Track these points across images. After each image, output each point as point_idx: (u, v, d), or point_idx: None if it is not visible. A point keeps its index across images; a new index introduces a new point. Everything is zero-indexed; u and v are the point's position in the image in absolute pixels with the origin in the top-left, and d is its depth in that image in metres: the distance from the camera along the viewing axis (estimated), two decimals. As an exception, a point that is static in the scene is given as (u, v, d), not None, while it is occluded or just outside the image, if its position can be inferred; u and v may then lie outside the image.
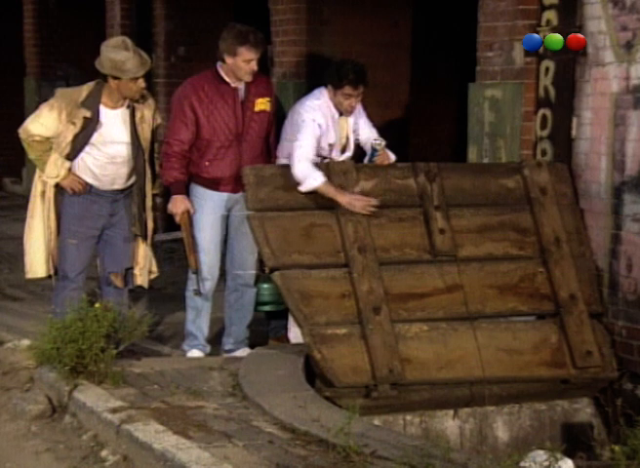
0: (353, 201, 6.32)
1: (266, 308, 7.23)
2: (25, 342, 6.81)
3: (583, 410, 6.50)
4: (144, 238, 7.06)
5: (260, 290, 7.10)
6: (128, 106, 6.87)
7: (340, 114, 6.89)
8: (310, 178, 6.37)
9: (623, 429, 4.83)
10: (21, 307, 8.46)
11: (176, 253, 9.79)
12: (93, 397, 5.78)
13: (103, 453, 5.40)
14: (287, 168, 6.53)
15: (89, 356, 5.94)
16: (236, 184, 6.84)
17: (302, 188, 6.38)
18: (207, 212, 6.94)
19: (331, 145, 6.87)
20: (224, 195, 6.95)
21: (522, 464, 4.61)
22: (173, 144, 6.87)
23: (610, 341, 6.43)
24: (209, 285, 7.00)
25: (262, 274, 6.89)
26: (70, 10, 13.82)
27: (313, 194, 6.38)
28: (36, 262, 6.97)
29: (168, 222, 10.67)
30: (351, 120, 6.96)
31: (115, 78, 6.72)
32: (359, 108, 7.00)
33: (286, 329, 7.13)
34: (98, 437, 5.56)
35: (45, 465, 5.44)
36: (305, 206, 6.38)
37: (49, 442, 5.67)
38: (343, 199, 6.33)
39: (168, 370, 6.37)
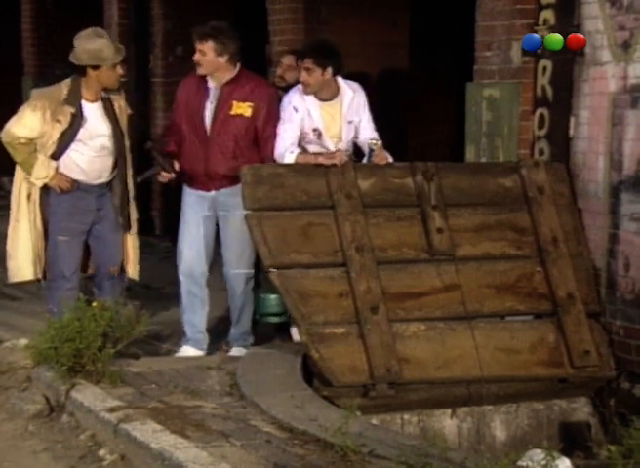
0: (324, 158, 6.54)
1: (275, 319, 7.10)
2: (23, 342, 6.80)
3: (581, 410, 6.50)
4: (128, 228, 7.14)
5: (267, 301, 7.00)
6: (103, 98, 6.95)
7: (324, 100, 6.88)
8: (286, 154, 6.63)
9: (619, 429, 4.83)
10: (19, 306, 8.45)
11: (173, 253, 9.78)
12: (90, 396, 5.78)
13: (101, 453, 5.40)
14: (284, 167, 6.55)
15: (86, 355, 5.94)
16: (208, 184, 6.99)
17: None
18: (188, 209, 7.10)
19: (316, 130, 6.85)
20: (199, 193, 7.07)
21: (519, 463, 4.61)
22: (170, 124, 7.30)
23: (607, 341, 6.43)
24: (189, 281, 7.06)
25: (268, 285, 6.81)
26: (68, 9, 13.80)
27: (311, 194, 6.39)
28: (24, 265, 6.99)
29: (168, 222, 10.71)
30: (345, 109, 6.91)
31: (94, 68, 6.81)
32: (363, 106, 6.96)
33: (288, 328, 7.09)
34: (95, 436, 5.56)
35: (43, 464, 5.43)
36: (303, 205, 6.38)
37: (46, 441, 5.67)
38: (318, 160, 6.54)
39: (165, 369, 6.37)
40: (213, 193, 7.00)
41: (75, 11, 13.55)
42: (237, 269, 7.06)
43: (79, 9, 13.43)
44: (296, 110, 6.78)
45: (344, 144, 6.92)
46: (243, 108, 6.93)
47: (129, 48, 9.69)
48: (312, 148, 6.85)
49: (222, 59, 6.87)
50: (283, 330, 7.14)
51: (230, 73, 6.94)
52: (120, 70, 6.92)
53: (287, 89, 7.20)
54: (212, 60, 6.87)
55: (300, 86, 6.85)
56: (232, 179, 6.82)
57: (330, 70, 6.77)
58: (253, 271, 7.10)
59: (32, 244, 6.96)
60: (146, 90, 11.63)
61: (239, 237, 6.92)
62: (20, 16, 14.44)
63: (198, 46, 6.89)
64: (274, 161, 6.80)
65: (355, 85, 6.97)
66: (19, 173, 7.01)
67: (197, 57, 6.90)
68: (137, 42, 11.56)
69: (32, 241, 6.96)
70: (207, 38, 6.86)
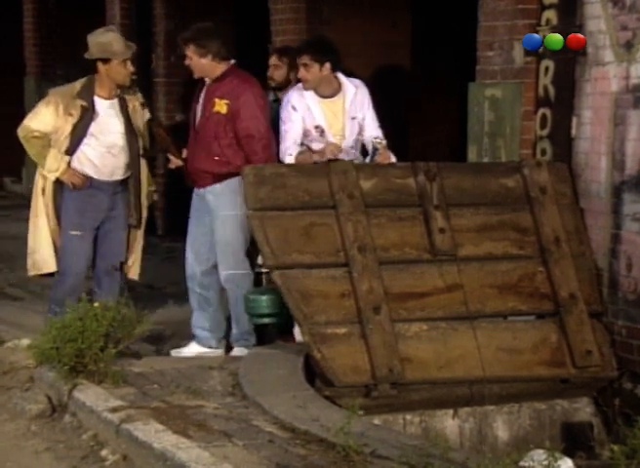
0: (318, 156, 6.62)
1: (266, 320, 6.95)
2: (25, 342, 6.82)
3: (583, 410, 6.49)
4: (139, 227, 7.26)
5: (257, 302, 6.82)
6: (118, 97, 7.07)
7: (326, 97, 6.89)
8: (287, 155, 6.72)
9: (622, 429, 4.82)
10: (22, 306, 8.46)
11: (175, 253, 9.80)
12: (92, 396, 5.78)
13: (103, 453, 5.40)
14: (286, 167, 6.56)
15: (88, 355, 5.95)
16: (198, 181, 7.05)
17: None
18: (191, 207, 7.17)
19: (318, 128, 6.86)
20: (195, 190, 7.13)
21: (521, 463, 4.61)
22: None
23: (610, 341, 6.43)
24: (190, 280, 7.13)
25: (269, 286, 6.79)
26: (70, 9, 13.82)
27: (313, 194, 6.39)
28: (48, 258, 7.11)
29: (170, 223, 10.71)
30: (348, 105, 6.90)
31: (105, 62, 6.94)
32: (367, 103, 6.98)
33: (292, 328, 7.07)
34: (97, 436, 5.56)
35: (45, 464, 5.44)
36: (305, 205, 6.37)
37: (49, 441, 5.68)
38: (313, 158, 6.61)
39: (168, 369, 6.37)
40: (202, 191, 7.05)
41: (77, 11, 13.58)
42: (225, 270, 7.05)
43: (81, 9, 13.45)
44: (294, 109, 6.80)
45: (349, 141, 6.94)
46: (220, 105, 6.95)
47: (131, 48, 9.69)
48: (316, 146, 6.86)
49: (206, 60, 6.92)
50: (285, 332, 7.12)
51: (219, 71, 6.96)
52: (131, 67, 7.05)
53: (278, 89, 7.23)
54: (197, 63, 6.94)
55: (300, 84, 6.88)
56: (215, 178, 6.88)
57: (328, 66, 6.79)
58: (241, 272, 7.04)
59: (51, 237, 7.10)
60: (149, 90, 11.63)
61: (223, 237, 6.96)
62: (21, 16, 14.46)
63: (185, 52, 6.95)
64: (266, 162, 6.80)
65: (357, 81, 7.01)
66: (39, 168, 7.15)
67: (187, 62, 6.98)
68: (139, 42, 11.55)
69: (51, 234, 7.10)
70: (188, 43, 6.95)
